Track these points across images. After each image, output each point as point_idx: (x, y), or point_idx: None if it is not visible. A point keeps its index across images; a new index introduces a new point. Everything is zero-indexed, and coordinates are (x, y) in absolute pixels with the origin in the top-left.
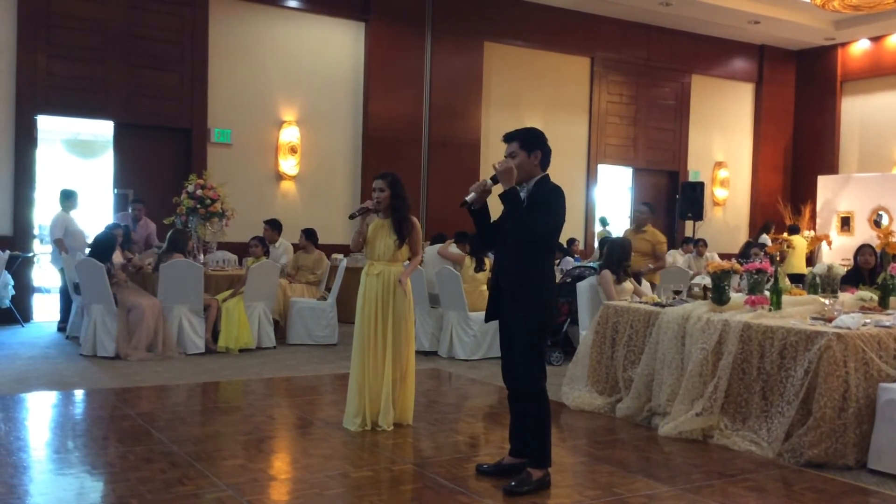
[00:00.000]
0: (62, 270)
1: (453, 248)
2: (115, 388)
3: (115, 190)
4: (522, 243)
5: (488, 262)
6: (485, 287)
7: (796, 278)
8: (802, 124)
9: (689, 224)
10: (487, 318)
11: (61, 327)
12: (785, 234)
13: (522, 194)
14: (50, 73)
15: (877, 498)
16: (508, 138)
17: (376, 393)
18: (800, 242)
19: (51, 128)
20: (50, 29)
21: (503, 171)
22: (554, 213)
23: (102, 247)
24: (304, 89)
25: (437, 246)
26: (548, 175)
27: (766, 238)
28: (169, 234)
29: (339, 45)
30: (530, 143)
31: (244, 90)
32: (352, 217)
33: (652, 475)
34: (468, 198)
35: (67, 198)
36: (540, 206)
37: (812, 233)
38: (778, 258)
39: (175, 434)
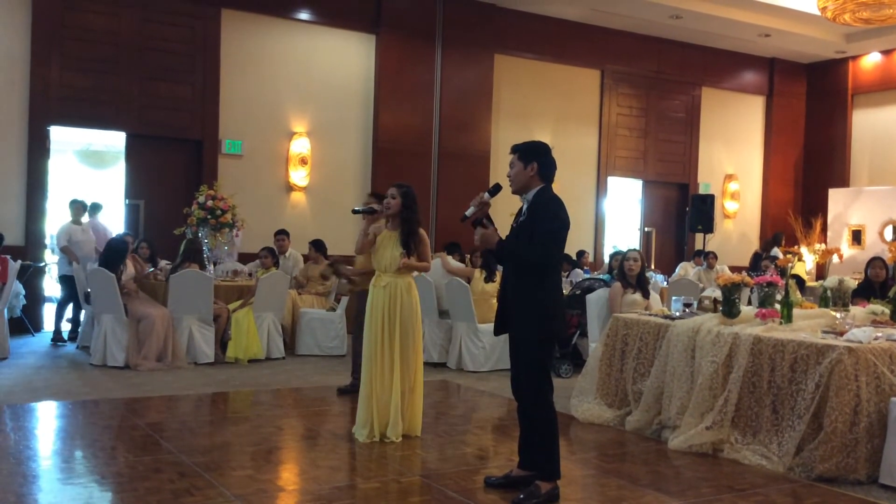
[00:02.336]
0: (63, 279)
1: (454, 262)
2: (124, 398)
3: (127, 200)
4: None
5: (499, 273)
6: (495, 299)
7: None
8: (813, 137)
9: (699, 236)
10: (496, 332)
11: (58, 340)
12: (795, 247)
13: (524, 206)
14: (63, 85)
15: None
16: (512, 150)
17: (384, 404)
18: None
19: (63, 138)
20: (63, 41)
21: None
22: (554, 235)
23: (113, 253)
24: (315, 101)
25: (440, 257)
26: (547, 186)
27: (777, 251)
28: (183, 244)
29: (350, 57)
30: (526, 154)
31: (255, 102)
32: (354, 212)
33: (661, 489)
34: (467, 212)
35: (80, 208)
36: (538, 224)
37: (823, 246)
38: (790, 268)
39: (184, 444)
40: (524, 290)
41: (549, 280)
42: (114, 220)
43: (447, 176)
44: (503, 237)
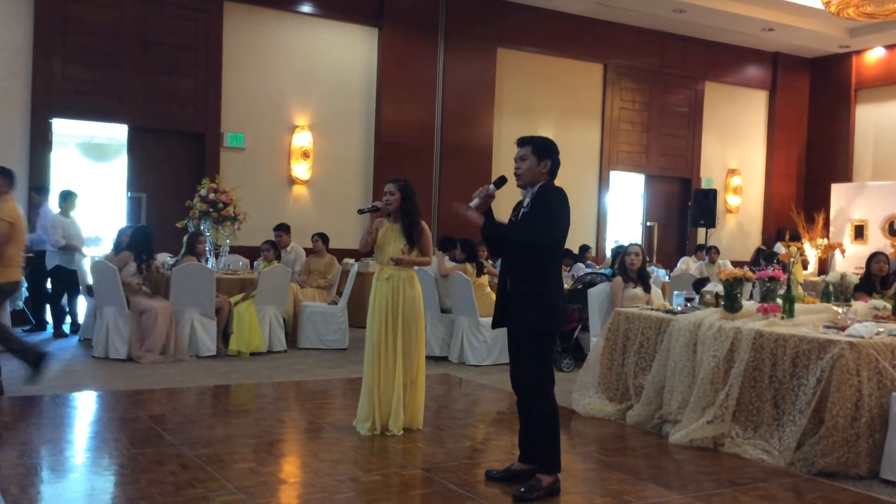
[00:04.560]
0: (54, 270)
1: (448, 263)
2: (126, 391)
3: (129, 193)
4: (530, 250)
5: (487, 264)
6: (489, 289)
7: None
8: (816, 132)
9: (701, 231)
10: (494, 325)
11: (58, 334)
12: (800, 243)
13: (527, 199)
14: (65, 77)
15: None
16: (522, 142)
17: (386, 397)
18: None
19: (66, 131)
20: (66, 33)
21: (483, 199)
22: (557, 217)
23: (141, 240)
24: (317, 94)
25: (437, 257)
26: (551, 181)
27: (779, 246)
28: (186, 237)
29: (353, 50)
30: (542, 151)
31: (257, 95)
32: (360, 212)
33: (662, 483)
34: (472, 204)
35: (65, 199)
36: (543, 210)
37: (825, 241)
38: (792, 263)
39: (186, 437)
40: (525, 282)
41: (551, 274)
42: (116, 213)
43: (449, 170)
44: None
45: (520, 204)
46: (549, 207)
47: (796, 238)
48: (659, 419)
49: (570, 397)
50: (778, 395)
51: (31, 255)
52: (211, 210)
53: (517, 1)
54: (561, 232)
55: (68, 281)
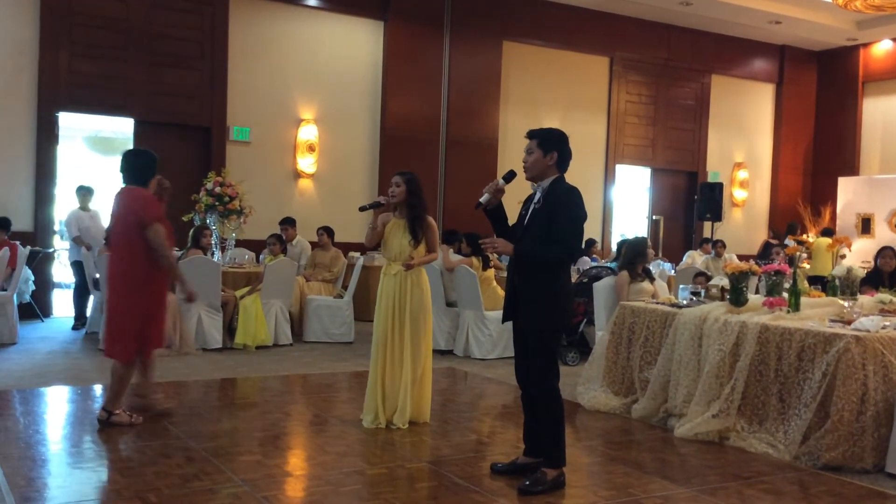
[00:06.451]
0: (74, 264)
1: (454, 257)
2: (132, 384)
3: None
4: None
5: (493, 258)
6: (495, 283)
7: (818, 280)
8: (823, 125)
9: (707, 225)
10: (505, 319)
11: (77, 326)
12: (805, 236)
13: (538, 194)
14: (72, 71)
15: (894, 502)
16: (530, 135)
17: (392, 392)
18: (821, 244)
19: (72, 125)
20: (72, 27)
21: (493, 194)
22: (579, 223)
23: None
24: (323, 88)
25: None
26: (562, 176)
27: (790, 242)
28: (192, 231)
29: (358, 44)
30: (548, 142)
31: (263, 89)
32: (361, 209)
33: (667, 476)
34: (482, 199)
35: (79, 193)
36: (558, 213)
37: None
38: (803, 257)
39: (192, 429)
40: (533, 278)
41: (560, 271)
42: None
43: (455, 163)
44: (511, 224)
45: (530, 198)
46: (568, 212)
47: (828, 233)
48: (664, 413)
49: (576, 391)
50: (783, 388)
51: (36, 249)
52: (217, 203)
53: None
54: (578, 244)
55: (86, 274)
